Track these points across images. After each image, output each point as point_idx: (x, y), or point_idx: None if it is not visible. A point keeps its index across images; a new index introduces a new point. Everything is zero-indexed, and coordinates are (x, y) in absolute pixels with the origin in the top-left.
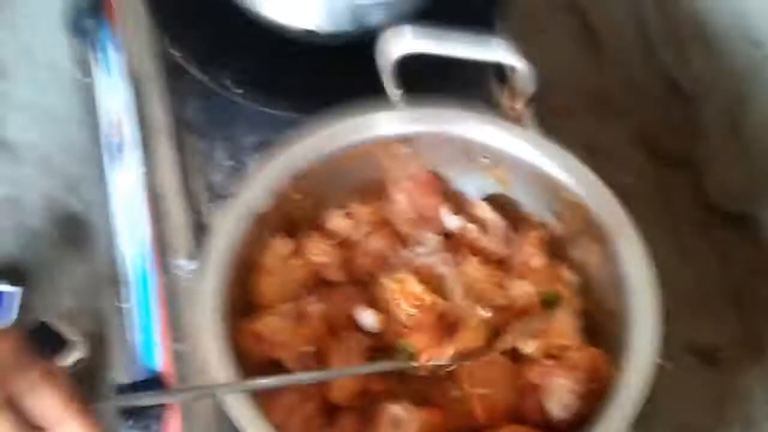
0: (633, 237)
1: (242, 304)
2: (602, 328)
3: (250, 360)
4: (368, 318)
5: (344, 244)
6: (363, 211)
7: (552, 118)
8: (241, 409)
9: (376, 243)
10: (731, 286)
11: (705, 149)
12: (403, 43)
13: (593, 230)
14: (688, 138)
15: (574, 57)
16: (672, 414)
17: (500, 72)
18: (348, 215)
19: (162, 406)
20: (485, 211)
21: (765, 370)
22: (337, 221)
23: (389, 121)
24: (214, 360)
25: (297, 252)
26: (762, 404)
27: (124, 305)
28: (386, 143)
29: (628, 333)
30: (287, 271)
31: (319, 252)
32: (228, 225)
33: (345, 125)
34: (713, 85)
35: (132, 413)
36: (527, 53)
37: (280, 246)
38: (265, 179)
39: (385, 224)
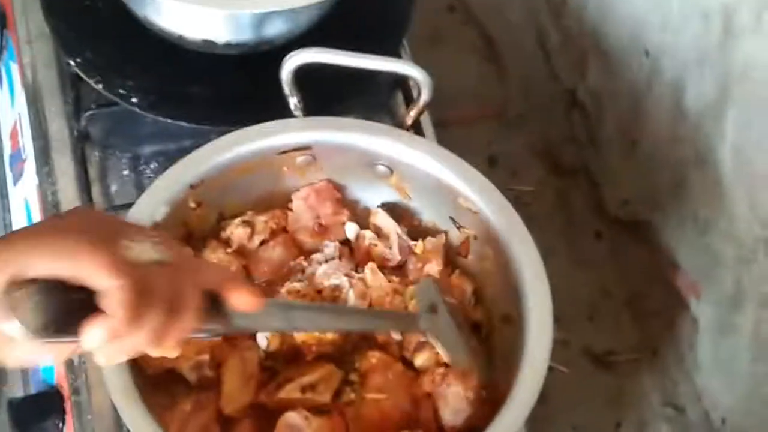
0: (528, 243)
1: None
2: (497, 334)
3: (149, 369)
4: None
5: (241, 253)
6: (260, 220)
7: (453, 128)
8: (135, 420)
9: (273, 252)
10: (627, 292)
11: (602, 159)
12: (302, 52)
13: (489, 237)
14: (587, 148)
15: (475, 69)
16: (567, 416)
17: (406, 89)
18: (245, 223)
19: (55, 419)
20: (382, 219)
21: (658, 374)
22: (234, 229)
23: (288, 130)
24: (110, 370)
25: None
26: (656, 406)
27: None
28: (285, 152)
29: (522, 337)
30: None
31: (216, 260)
32: None
33: (244, 134)
34: (609, 97)
35: (26, 426)
36: (428, 66)
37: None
38: (162, 189)
39: (282, 233)
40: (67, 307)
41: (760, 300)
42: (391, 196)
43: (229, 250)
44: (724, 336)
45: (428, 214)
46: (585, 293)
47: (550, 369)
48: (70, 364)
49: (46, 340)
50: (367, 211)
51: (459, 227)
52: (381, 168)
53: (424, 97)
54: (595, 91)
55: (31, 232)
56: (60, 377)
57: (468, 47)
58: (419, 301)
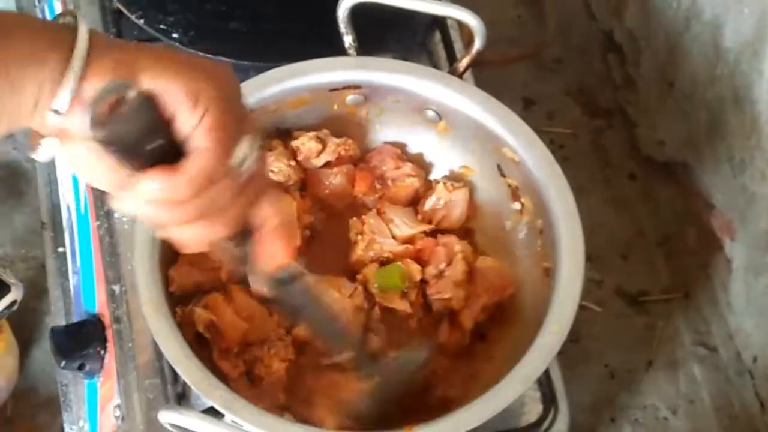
0: (568, 199)
1: None
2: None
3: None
4: None
5: (303, 168)
6: (333, 141)
7: (490, 69)
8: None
9: (335, 178)
10: (660, 232)
11: (638, 101)
12: None
13: (530, 188)
14: (623, 90)
15: (513, 10)
16: (599, 354)
17: (444, 30)
18: (318, 139)
19: (97, 347)
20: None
21: (691, 314)
22: (306, 141)
23: (340, 68)
24: (146, 295)
25: None
26: (687, 346)
27: (62, 250)
28: (335, 90)
29: (555, 277)
30: None
31: (277, 168)
32: None
33: (297, 68)
34: (646, 38)
35: (66, 353)
36: (471, 8)
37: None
38: None
39: (348, 162)
40: (144, 140)
41: None
42: (437, 142)
43: (292, 162)
44: (758, 276)
45: (473, 162)
46: (619, 233)
47: (583, 308)
48: (111, 294)
49: (104, 149)
50: (417, 157)
51: (503, 176)
52: (430, 113)
53: (478, 45)
54: (632, 33)
55: (167, 52)
56: (101, 306)
57: None
58: None
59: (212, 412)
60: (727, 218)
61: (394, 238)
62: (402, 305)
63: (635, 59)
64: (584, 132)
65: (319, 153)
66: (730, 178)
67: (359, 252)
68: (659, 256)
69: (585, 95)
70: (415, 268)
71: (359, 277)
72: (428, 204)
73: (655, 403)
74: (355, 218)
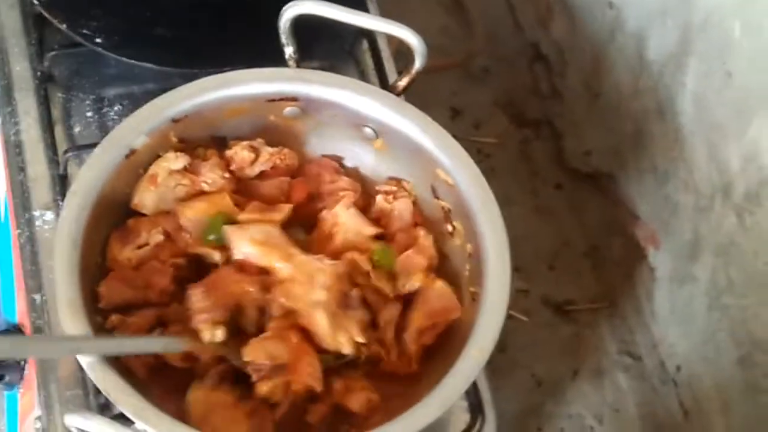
0: (498, 224)
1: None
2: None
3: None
4: None
5: (238, 179)
6: (267, 150)
7: (418, 79)
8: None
9: (268, 188)
10: (586, 242)
11: (565, 111)
12: (300, 4)
13: (461, 212)
14: (549, 100)
15: (440, 20)
16: (526, 364)
17: (370, 38)
18: (251, 148)
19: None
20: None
21: (616, 323)
22: (240, 150)
23: (278, 79)
24: (64, 308)
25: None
26: (613, 355)
27: None
28: (273, 101)
29: (482, 285)
30: (169, 186)
31: (211, 180)
32: (100, 161)
33: (234, 76)
34: (573, 49)
35: None
36: (394, 16)
37: (172, 159)
38: (143, 118)
39: (285, 174)
40: None
41: (717, 249)
42: (373, 159)
43: (226, 174)
44: (681, 285)
45: (406, 181)
46: (545, 243)
47: (510, 317)
48: (32, 303)
49: None
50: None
51: (437, 198)
52: (367, 130)
53: (417, 64)
54: (559, 44)
55: None
56: (21, 315)
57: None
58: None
59: (123, 418)
60: (652, 228)
61: None
62: (387, 288)
63: (561, 70)
64: (511, 142)
65: (253, 162)
66: (654, 188)
67: (338, 243)
68: (585, 266)
69: (512, 105)
70: None
71: (346, 255)
72: (373, 214)
73: (581, 411)
74: (325, 211)
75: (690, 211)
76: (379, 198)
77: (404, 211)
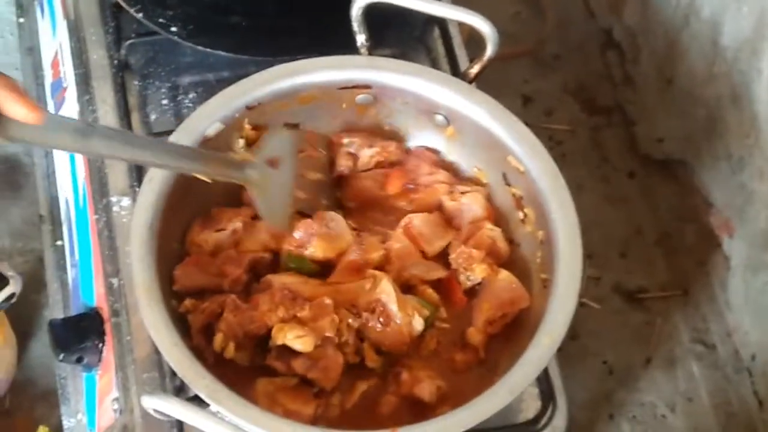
0: (569, 209)
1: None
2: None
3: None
4: None
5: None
6: (379, 144)
7: (489, 66)
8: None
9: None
10: (659, 230)
11: (637, 98)
12: None
13: (533, 199)
14: (621, 87)
15: (512, 7)
16: (598, 351)
17: (441, 26)
18: (369, 145)
19: (95, 340)
20: None
21: (689, 311)
22: (359, 150)
23: (350, 67)
24: (140, 292)
25: None
26: (686, 343)
27: (60, 243)
28: (345, 88)
29: (553, 272)
30: None
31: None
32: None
33: (307, 64)
34: (645, 35)
35: (64, 346)
36: (469, 4)
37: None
38: (218, 106)
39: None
40: None
41: None
42: (444, 146)
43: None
44: (756, 274)
45: (478, 168)
46: (617, 231)
47: (582, 305)
48: (109, 287)
49: None
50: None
51: (508, 185)
52: (439, 117)
53: (489, 51)
54: (631, 30)
55: None
56: (100, 299)
57: None
58: (263, 150)
59: (198, 400)
60: (726, 216)
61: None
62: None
63: (634, 57)
64: (583, 129)
65: (371, 157)
66: (729, 176)
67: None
68: (657, 254)
69: (584, 92)
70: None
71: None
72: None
73: (653, 400)
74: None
75: (766, 199)
76: (444, 198)
77: (474, 206)
